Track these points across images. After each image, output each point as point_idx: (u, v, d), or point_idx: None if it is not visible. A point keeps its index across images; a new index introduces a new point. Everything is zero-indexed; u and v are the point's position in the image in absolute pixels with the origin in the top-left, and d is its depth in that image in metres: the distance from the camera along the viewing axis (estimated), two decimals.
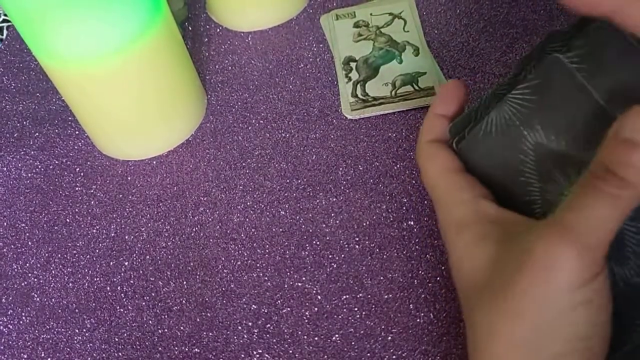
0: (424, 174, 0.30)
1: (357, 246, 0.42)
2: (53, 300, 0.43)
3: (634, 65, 0.24)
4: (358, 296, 0.40)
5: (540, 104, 0.26)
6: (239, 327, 0.40)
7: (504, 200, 0.28)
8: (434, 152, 0.30)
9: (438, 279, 0.39)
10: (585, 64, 0.25)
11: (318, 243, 0.43)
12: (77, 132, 0.53)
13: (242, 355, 0.38)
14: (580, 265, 0.23)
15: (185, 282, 0.42)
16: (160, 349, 0.40)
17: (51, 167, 0.51)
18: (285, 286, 0.41)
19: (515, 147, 0.27)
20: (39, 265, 0.45)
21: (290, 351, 0.38)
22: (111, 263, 0.44)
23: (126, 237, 0.45)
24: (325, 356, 0.38)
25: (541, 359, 0.25)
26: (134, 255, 0.44)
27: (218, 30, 0.59)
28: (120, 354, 0.40)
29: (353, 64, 0.52)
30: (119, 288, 0.43)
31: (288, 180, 0.46)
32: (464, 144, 0.29)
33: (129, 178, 0.49)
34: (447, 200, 0.29)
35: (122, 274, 0.43)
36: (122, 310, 0.42)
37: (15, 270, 0.45)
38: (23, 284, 0.44)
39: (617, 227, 0.23)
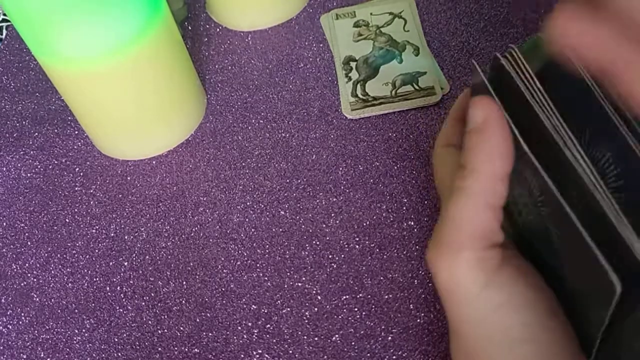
0: (435, 177, 0.31)
1: (357, 246, 0.42)
2: (52, 300, 0.43)
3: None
4: (358, 296, 0.39)
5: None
6: (239, 327, 0.40)
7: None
8: (446, 156, 0.31)
9: None
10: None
11: (318, 243, 0.42)
12: (76, 132, 0.53)
13: (242, 356, 0.38)
14: (466, 266, 0.24)
15: (185, 282, 0.42)
16: (159, 349, 0.39)
17: (50, 167, 0.51)
18: (285, 286, 0.41)
19: None
20: (38, 265, 0.45)
21: (290, 351, 0.38)
22: (111, 263, 0.44)
23: (126, 237, 0.45)
24: (325, 356, 0.38)
25: None
26: (134, 255, 0.44)
27: (218, 29, 0.59)
28: (119, 354, 0.40)
29: (353, 64, 0.52)
30: (118, 288, 0.43)
31: (288, 180, 0.46)
32: None
33: (129, 178, 0.49)
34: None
35: (122, 274, 0.43)
36: (121, 310, 0.42)
37: (15, 270, 0.45)
38: (22, 284, 0.44)
39: (486, 216, 0.23)
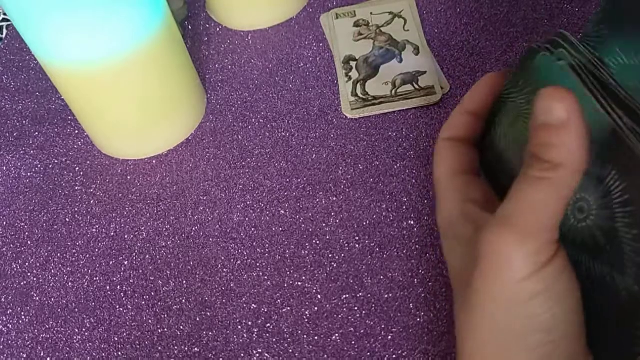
0: (433, 170, 0.31)
1: (357, 245, 0.42)
2: (52, 299, 0.43)
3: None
4: (358, 295, 0.39)
5: None
6: (239, 327, 0.40)
7: None
8: (445, 150, 0.31)
9: (438, 278, 0.39)
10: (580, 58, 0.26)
11: (318, 242, 0.42)
12: (76, 132, 0.53)
13: (242, 355, 0.38)
14: (525, 254, 0.24)
15: (185, 282, 0.42)
16: (160, 348, 0.40)
17: (51, 166, 0.51)
18: (285, 285, 0.41)
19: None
20: (38, 264, 0.45)
21: (290, 350, 0.38)
22: (111, 262, 0.44)
23: (126, 237, 0.45)
24: (325, 355, 0.38)
25: (509, 353, 0.25)
26: (134, 254, 0.44)
27: (218, 29, 0.59)
28: (119, 353, 0.40)
29: (353, 63, 0.52)
30: (118, 287, 0.43)
31: (288, 180, 0.46)
32: (482, 159, 0.31)
33: (129, 177, 0.49)
34: (443, 198, 0.30)
35: (122, 274, 0.43)
36: (121, 309, 0.42)
37: (15, 269, 0.45)
38: (22, 284, 0.44)
39: (560, 209, 0.24)
